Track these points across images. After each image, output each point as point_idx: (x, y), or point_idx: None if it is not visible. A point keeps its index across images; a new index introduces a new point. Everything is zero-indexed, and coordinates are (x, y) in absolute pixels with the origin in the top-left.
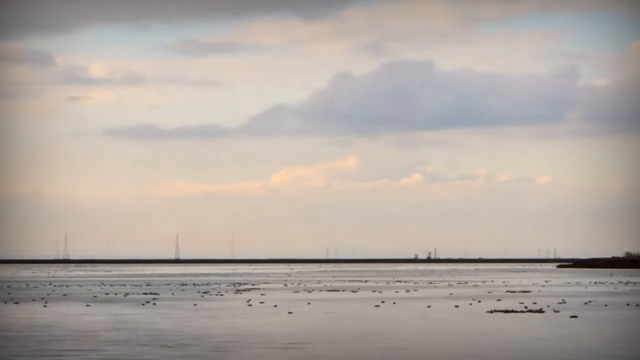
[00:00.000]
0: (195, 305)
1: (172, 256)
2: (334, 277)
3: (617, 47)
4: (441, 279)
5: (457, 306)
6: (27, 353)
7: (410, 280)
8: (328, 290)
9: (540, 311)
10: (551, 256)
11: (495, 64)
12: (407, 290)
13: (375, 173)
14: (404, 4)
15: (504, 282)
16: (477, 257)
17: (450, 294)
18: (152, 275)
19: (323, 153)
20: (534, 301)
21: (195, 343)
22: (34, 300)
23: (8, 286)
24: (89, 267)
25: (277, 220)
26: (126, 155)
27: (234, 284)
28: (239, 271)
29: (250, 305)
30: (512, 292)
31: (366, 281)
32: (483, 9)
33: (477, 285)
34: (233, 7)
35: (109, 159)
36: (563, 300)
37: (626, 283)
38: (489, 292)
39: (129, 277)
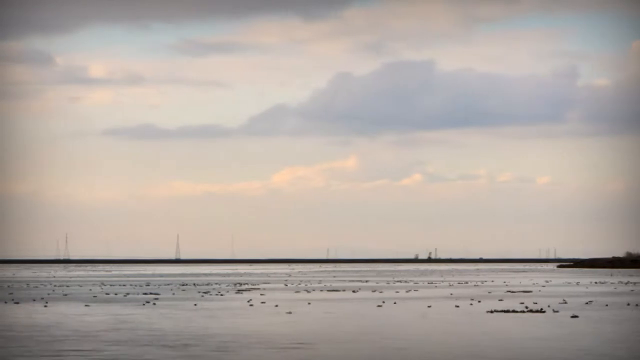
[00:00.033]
0: (195, 305)
1: (173, 256)
2: (334, 277)
3: (617, 47)
4: (441, 279)
5: (457, 306)
6: (27, 353)
7: (411, 280)
8: (328, 290)
9: (541, 311)
10: (551, 256)
11: (495, 64)
12: (407, 291)
13: (376, 173)
14: (404, 4)
15: (504, 282)
16: (477, 257)
17: (451, 294)
18: (152, 275)
19: (323, 153)
20: (535, 301)
21: (196, 343)
22: (34, 300)
23: (8, 286)
24: (89, 267)
25: (278, 220)
26: (126, 155)
27: (235, 284)
28: (240, 271)
29: (251, 305)
30: (513, 292)
31: (367, 281)
32: (483, 9)
33: (477, 285)
34: (233, 7)
35: (109, 159)
36: (564, 300)
37: (626, 283)
38: (489, 292)
39: (130, 277)
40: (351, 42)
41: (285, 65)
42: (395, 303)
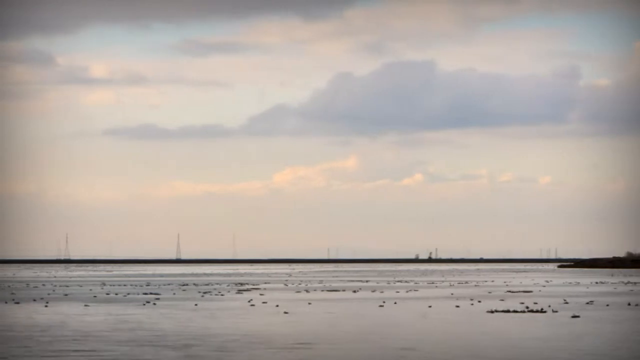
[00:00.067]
0: (196, 305)
1: (174, 256)
2: (335, 277)
3: (617, 48)
4: (442, 279)
5: (457, 306)
6: (27, 353)
7: (411, 280)
8: (329, 291)
9: (541, 311)
10: (552, 256)
11: (496, 64)
12: (407, 291)
13: (377, 173)
14: (405, 4)
15: (504, 282)
16: (478, 257)
17: (452, 294)
18: (153, 275)
19: (324, 153)
20: (535, 301)
21: (196, 343)
22: (34, 300)
23: (9, 286)
24: (90, 267)
25: (278, 221)
26: (127, 155)
27: (236, 284)
28: (240, 271)
29: (252, 305)
30: (513, 292)
31: (367, 281)
32: (484, 9)
33: (478, 285)
34: (234, 7)
35: (110, 159)
36: (564, 300)
37: (627, 283)
38: (490, 292)
39: (130, 277)
40: (352, 42)
41: (286, 65)
42: (395, 303)
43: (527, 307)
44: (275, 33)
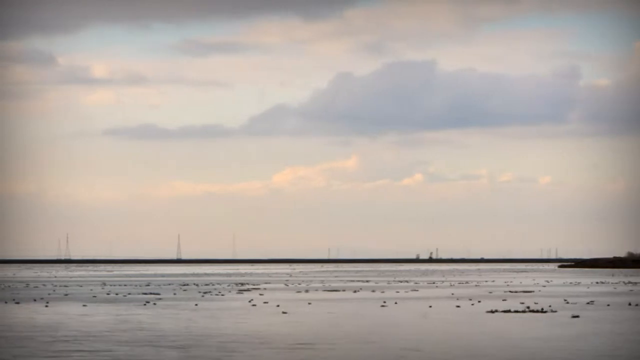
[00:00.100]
0: (196, 305)
1: (174, 256)
2: (335, 277)
3: (618, 48)
4: (443, 279)
5: (458, 306)
6: (28, 354)
7: (412, 280)
8: (329, 291)
9: (542, 311)
10: (553, 256)
11: (496, 64)
12: (407, 291)
13: (377, 173)
14: (405, 4)
15: (505, 282)
16: (478, 257)
17: (452, 294)
18: (153, 275)
19: (324, 153)
20: (536, 301)
21: (197, 343)
22: (35, 300)
23: (9, 286)
24: (90, 267)
25: (279, 221)
26: (127, 155)
27: (236, 284)
28: (241, 271)
29: (254, 305)
30: (514, 292)
31: (367, 281)
32: (484, 9)
33: (478, 285)
34: (234, 7)
35: (110, 159)
36: (565, 300)
37: (627, 283)
38: (490, 292)
39: (131, 277)
40: (352, 42)
41: (286, 65)
42: (396, 303)
43: (528, 307)
44: (275, 33)
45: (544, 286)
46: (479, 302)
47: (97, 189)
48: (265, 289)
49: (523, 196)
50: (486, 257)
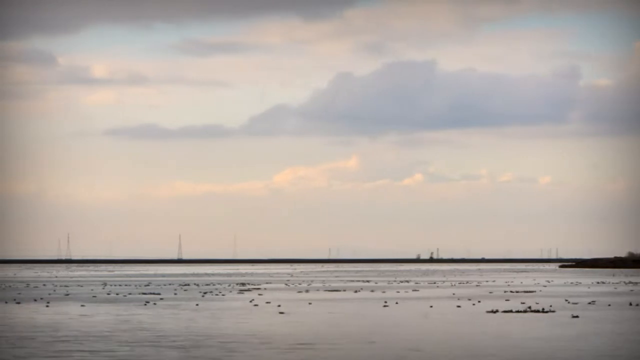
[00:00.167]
0: (197, 305)
1: (175, 256)
2: (336, 277)
3: (618, 48)
4: (443, 279)
5: (459, 306)
6: (29, 354)
7: (413, 280)
8: (330, 291)
9: (542, 311)
10: (553, 256)
11: (496, 64)
12: (406, 291)
13: (377, 173)
14: (405, 4)
15: (506, 282)
16: (479, 257)
17: (453, 294)
18: (154, 275)
19: (324, 153)
20: (536, 301)
21: (198, 344)
22: (35, 300)
23: (10, 286)
24: (91, 267)
25: (279, 221)
26: (128, 155)
27: (237, 284)
28: (242, 271)
29: (255, 305)
30: (514, 292)
31: (368, 281)
32: (484, 9)
33: (479, 285)
34: (234, 7)
35: (111, 159)
36: (566, 300)
37: (628, 283)
38: (491, 292)
39: (132, 277)
40: (352, 42)
41: (287, 66)
42: (397, 303)
43: (529, 307)
44: (275, 33)
45: (545, 286)
46: (479, 302)
47: (97, 189)
48: (265, 289)
49: (523, 196)
50: (487, 257)
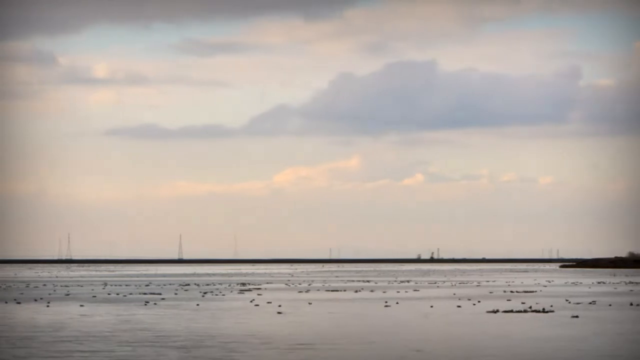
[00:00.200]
0: (198, 305)
1: (175, 256)
2: (336, 277)
3: (618, 48)
4: (444, 279)
5: (459, 306)
6: (29, 354)
7: (413, 280)
8: (331, 291)
9: (543, 311)
10: (554, 256)
11: (497, 64)
12: (407, 291)
13: (378, 173)
14: (406, 4)
15: (506, 282)
16: (480, 257)
17: (454, 294)
18: (155, 275)
19: (325, 153)
20: (537, 301)
21: (199, 344)
22: (36, 300)
23: (10, 286)
24: (91, 267)
25: (280, 221)
26: (128, 155)
27: (237, 284)
28: (242, 271)
29: (256, 305)
30: (515, 292)
31: (368, 281)
32: (485, 9)
33: (479, 285)
34: (235, 7)
35: (112, 159)
36: (567, 300)
37: (629, 283)
38: (491, 292)
39: (132, 277)
40: (353, 42)
41: (287, 66)
42: (397, 303)
43: (530, 307)
44: (276, 33)
45: (545, 286)
46: (478, 302)
47: (98, 189)
48: (266, 289)
49: (524, 196)
50: (487, 257)
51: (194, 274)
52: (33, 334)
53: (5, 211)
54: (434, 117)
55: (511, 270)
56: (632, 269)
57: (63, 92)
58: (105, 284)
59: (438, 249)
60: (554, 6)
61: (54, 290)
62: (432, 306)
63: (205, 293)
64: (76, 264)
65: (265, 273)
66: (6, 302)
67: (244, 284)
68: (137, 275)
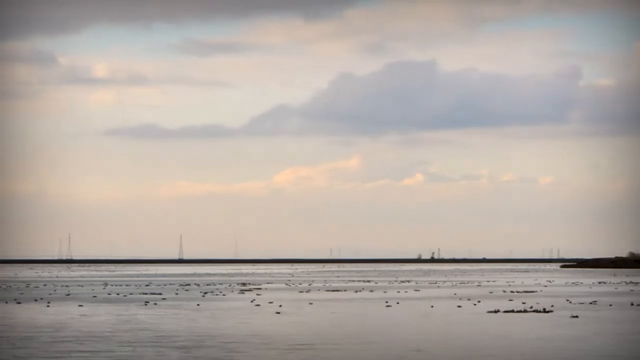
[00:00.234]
0: (198, 305)
1: (176, 256)
2: (337, 277)
3: (618, 48)
4: (445, 279)
5: (459, 306)
6: (29, 354)
7: (414, 280)
8: (331, 291)
9: (543, 311)
10: (555, 256)
11: (497, 64)
12: (407, 291)
13: (378, 173)
14: (406, 4)
15: (507, 282)
16: (480, 257)
17: (454, 294)
18: (155, 275)
19: (325, 153)
20: (537, 301)
21: (199, 344)
22: (36, 300)
23: (10, 286)
24: (92, 267)
25: (280, 221)
26: (129, 155)
27: (238, 284)
28: (243, 271)
29: (257, 305)
30: (516, 292)
31: (369, 281)
32: (485, 9)
33: (480, 285)
34: (234, 7)
35: (112, 159)
36: (567, 300)
37: (629, 283)
38: (492, 292)
39: (133, 277)
40: (353, 42)
41: (287, 66)
42: (398, 303)
43: (531, 307)
44: (276, 33)
45: (546, 286)
46: (480, 302)
47: (98, 189)
48: (266, 289)
49: (524, 196)
50: (488, 257)
51: (194, 274)
52: (33, 334)
53: (5, 211)
54: (434, 117)
55: (512, 270)
56: (633, 269)
57: (63, 92)
58: (106, 284)
59: (438, 249)
60: (554, 6)
61: (54, 290)
62: (432, 306)
63: (205, 293)
64: (76, 264)
65: (265, 273)
66: (6, 302)
67: (244, 284)
68: (138, 275)
